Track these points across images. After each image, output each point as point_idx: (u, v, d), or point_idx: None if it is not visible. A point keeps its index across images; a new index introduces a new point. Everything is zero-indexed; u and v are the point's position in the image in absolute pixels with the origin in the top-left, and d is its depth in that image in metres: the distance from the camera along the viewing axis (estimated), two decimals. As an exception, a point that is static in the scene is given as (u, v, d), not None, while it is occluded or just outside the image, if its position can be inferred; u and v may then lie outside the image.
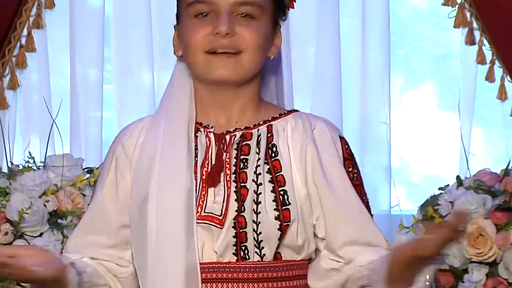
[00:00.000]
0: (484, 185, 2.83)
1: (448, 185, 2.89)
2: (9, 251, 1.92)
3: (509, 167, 2.89)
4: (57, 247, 2.71)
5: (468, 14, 3.10)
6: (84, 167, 2.96)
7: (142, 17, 3.17)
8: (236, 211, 2.00)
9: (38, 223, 2.82)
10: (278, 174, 2.04)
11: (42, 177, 2.85)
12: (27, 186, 2.84)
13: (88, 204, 2.18)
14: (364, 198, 2.09)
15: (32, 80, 3.20)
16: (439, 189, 2.89)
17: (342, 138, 2.10)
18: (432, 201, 2.86)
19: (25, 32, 3.15)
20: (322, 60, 3.16)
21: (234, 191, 2.02)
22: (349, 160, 2.09)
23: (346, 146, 2.10)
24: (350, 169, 2.07)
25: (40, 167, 2.93)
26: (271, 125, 2.09)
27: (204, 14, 2.03)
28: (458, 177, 2.88)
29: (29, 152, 2.96)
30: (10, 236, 2.80)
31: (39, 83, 3.20)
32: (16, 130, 3.19)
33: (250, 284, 2.01)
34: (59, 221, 2.82)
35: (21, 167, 2.94)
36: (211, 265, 2.00)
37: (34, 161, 2.93)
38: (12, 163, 2.99)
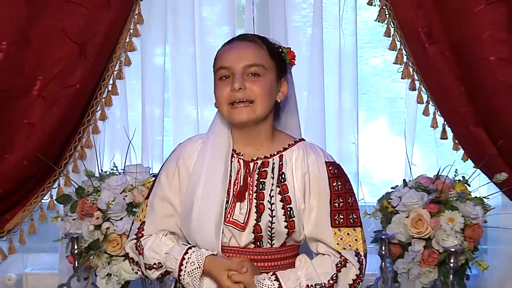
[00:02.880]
0: (422, 185, 3.18)
1: (397, 185, 3.24)
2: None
3: (439, 174, 3.23)
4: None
5: (411, 70, 3.37)
6: (150, 173, 3.28)
7: (190, 71, 3.43)
8: (255, 220, 2.25)
9: (119, 211, 3.16)
10: (286, 195, 2.27)
11: (122, 180, 3.20)
12: (112, 186, 3.18)
13: (149, 191, 2.37)
14: (349, 200, 2.28)
15: (116, 114, 3.50)
16: (392, 188, 3.25)
17: (327, 162, 2.29)
18: (387, 196, 3.22)
19: (110, 81, 3.43)
20: (311, 100, 3.41)
21: (255, 206, 2.25)
22: (332, 177, 2.29)
23: (330, 168, 2.29)
24: (334, 184, 2.28)
25: (121, 173, 3.27)
26: (282, 155, 2.31)
27: (226, 76, 2.27)
28: (404, 180, 3.24)
29: (114, 163, 3.33)
30: (100, 219, 3.15)
31: (120, 116, 3.49)
32: (104, 148, 3.46)
33: (264, 262, 2.29)
34: (134, 209, 3.16)
35: (108, 173, 3.28)
36: (235, 248, 2.29)
37: (117, 169, 3.28)
38: (102, 170, 3.33)
